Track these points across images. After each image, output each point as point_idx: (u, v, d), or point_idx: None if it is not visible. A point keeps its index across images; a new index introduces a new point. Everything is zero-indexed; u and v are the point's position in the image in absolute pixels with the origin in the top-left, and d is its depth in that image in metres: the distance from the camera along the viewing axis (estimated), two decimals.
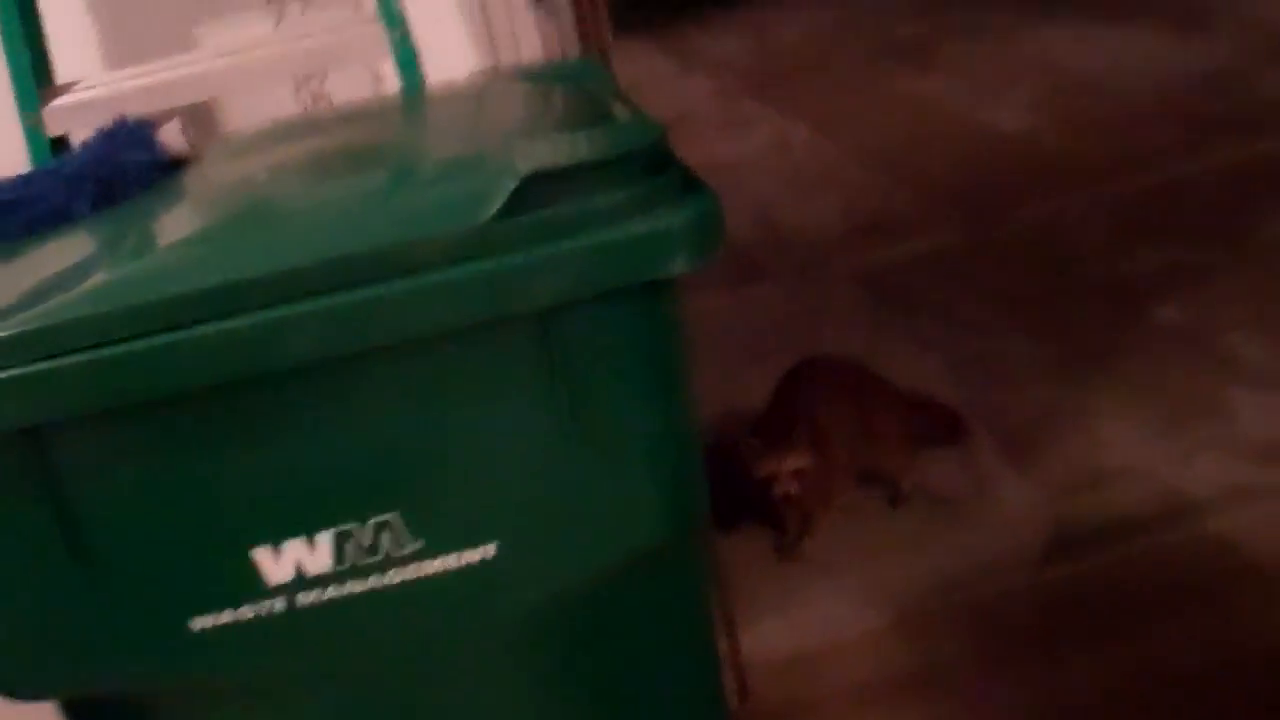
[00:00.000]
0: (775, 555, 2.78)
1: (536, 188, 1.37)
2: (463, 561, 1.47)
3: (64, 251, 1.49)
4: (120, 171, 1.62)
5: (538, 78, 1.86)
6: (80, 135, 1.80)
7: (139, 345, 1.33)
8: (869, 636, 2.51)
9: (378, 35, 1.96)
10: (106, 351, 1.33)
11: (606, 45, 2.11)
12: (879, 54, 6.53)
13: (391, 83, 2.10)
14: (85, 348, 1.33)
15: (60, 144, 1.97)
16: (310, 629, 1.46)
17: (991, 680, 2.35)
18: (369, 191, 1.47)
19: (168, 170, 1.68)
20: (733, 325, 3.81)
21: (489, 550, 1.47)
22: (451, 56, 2.17)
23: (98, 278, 1.37)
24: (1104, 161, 4.58)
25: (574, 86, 1.72)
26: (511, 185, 1.37)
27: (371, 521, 1.45)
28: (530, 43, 2.21)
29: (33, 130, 1.93)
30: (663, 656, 1.61)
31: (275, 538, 1.43)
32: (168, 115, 1.76)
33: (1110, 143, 4.75)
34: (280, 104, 2.04)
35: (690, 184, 1.44)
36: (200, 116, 1.94)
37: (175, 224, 1.49)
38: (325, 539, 1.44)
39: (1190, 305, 3.47)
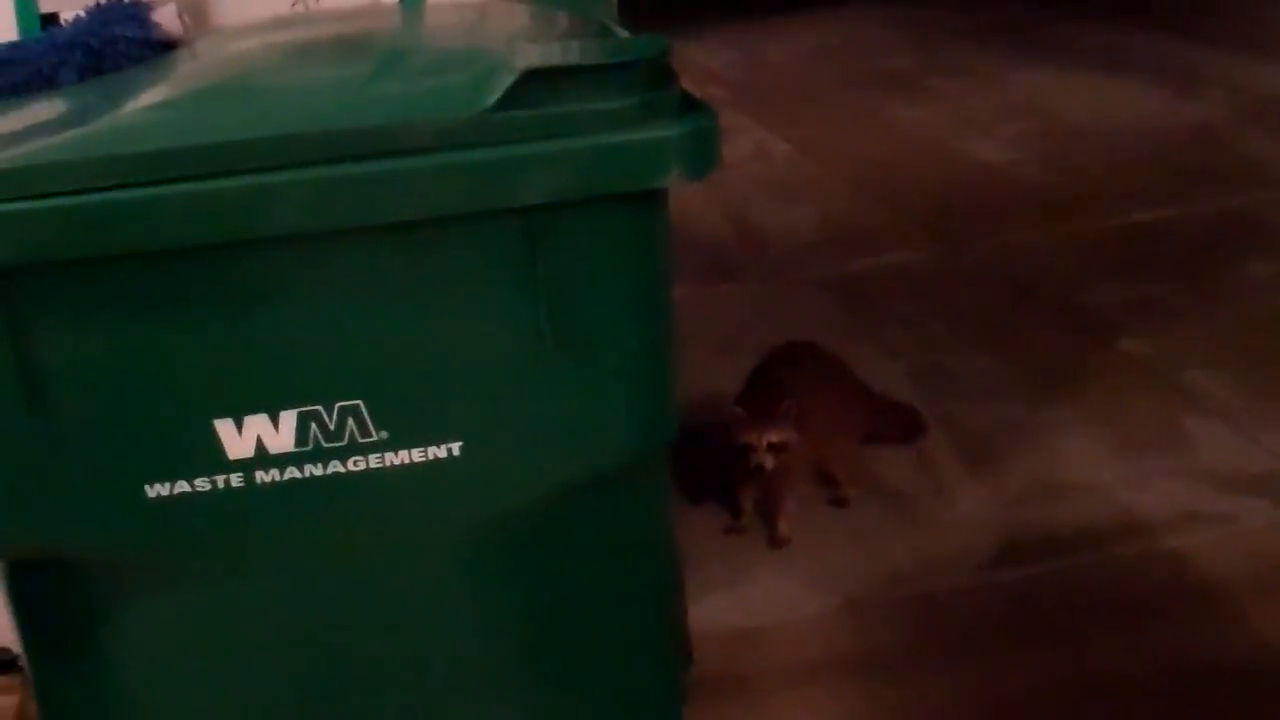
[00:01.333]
0: (726, 533, 2.77)
1: (536, 85, 1.37)
2: (426, 456, 1.46)
3: (47, 108, 1.47)
4: (110, 43, 1.61)
5: (541, 3, 1.86)
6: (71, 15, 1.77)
7: (116, 196, 1.31)
8: (815, 619, 2.50)
9: None
10: (81, 199, 1.31)
11: None
12: (866, 82, 6.59)
13: None
14: (60, 193, 1.31)
15: (50, 21, 1.93)
16: (266, 508, 1.44)
17: (931, 672, 2.34)
18: (365, 74, 1.45)
19: (159, 49, 1.67)
20: (703, 319, 3.81)
21: (454, 448, 1.46)
22: None
23: (79, 128, 1.35)
24: (1081, 200, 4.62)
25: (578, 10, 1.72)
26: (510, 78, 1.36)
27: (337, 406, 1.43)
28: None
29: (23, 2, 1.90)
30: (619, 583, 1.60)
31: (238, 411, 1.42)
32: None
33: (1090, 184, 4.79)
34: (274, 5, 2.02)
35: (689, 101, 1.44)
36: (195, 8, 1.92)
37: (163, 90, 1.48)
38: (289, 418, 1.42)
39: (1155, 340, 3.50)
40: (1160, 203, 4.48)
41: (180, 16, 1.70)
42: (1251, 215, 4.29)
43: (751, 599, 2.58)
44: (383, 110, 1.36)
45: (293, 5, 1.96)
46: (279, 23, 1.79)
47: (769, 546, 2.74)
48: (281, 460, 1.43)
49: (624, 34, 1.54)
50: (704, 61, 7.14)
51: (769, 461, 2.65)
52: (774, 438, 2.65)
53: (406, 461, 1.45)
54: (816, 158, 5.32)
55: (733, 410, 2.69)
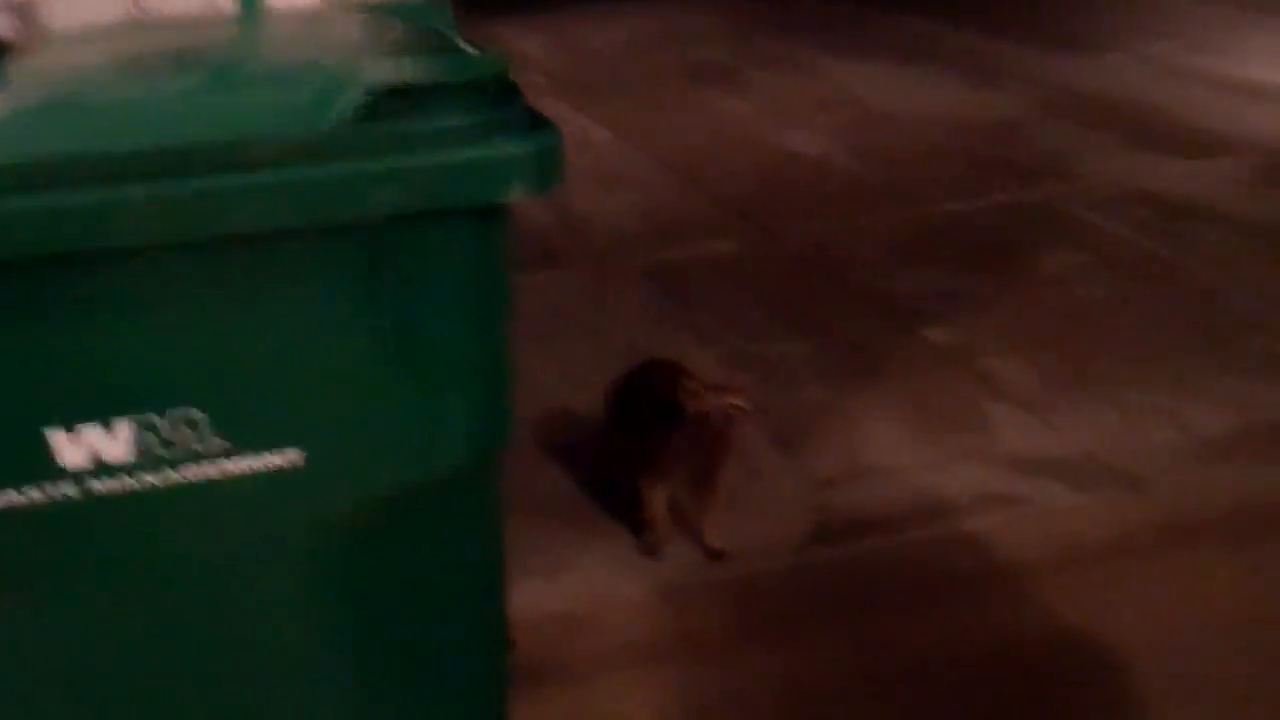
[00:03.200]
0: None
1: (382, 102, 1.40)
2: (266, 465, 1.48)
3: None
4: None
5: (379, 10, 1.88)
6: None
7: None
8: (634, 603, 2.58)
9: None
10: None
11: None
12: (683, 72, 6.70)
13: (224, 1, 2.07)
14: None
15: None
16: (101, 519, 1.44)
17: (746, 654, 2.44)
18: (209, 86, 1.46)
19: None
20: (523, 306, 3.85)
21: (294, 456, 1.48)
22: None
23: None
24: (891, 190, 4.80)
25: (417, 21, 1.75)
26: (358, 95, 1.39)
27: (174, 414, 1.44)
28: None
29: None
30: (450, 586, 1.64)
31: (71, 419, 1.41)
32: None
33: (897, 174, 4.97)
34: (103, 9, 1.99)
35: (533, 119, 1.49)
36: (25, 13, 1.89)
37: (3, 101, 1.46)
38: (124, 427, 1.43)
39: (956, 327, 3.67)
40: (965, 194, 4.68)
41: (13, 22, 1.68)
42: (1050, 207, 4.51)
43: (571, 584, 2.65)
44: (228, 124, 1.38)
45: (129, 9, 1.94)
46: (117, 30, 1.78)
47: (706, 558, 2.70)
48: (116, 470, 1.43)
49: (466, 47, 1.58)
50: (522, 47, 7.16)
51: (742, 408, 2.55)
52: (736, 399, 2.57)
53: (245, 470, 1.47)
54: (636, 146, 5.40)
55: (685, 382, 2.57)
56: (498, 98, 1.47)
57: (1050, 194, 4.63)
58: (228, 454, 1.47)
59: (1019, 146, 5.16)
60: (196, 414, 1.45)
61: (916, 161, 5.10)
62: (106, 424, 1.42)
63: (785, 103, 6.01)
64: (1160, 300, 3.77)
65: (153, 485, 1.45)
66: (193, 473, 1.46)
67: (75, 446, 1.42)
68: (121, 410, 1.42)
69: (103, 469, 1.44)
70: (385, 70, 1.42)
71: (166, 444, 1.45)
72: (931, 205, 4.60)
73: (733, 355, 3.56)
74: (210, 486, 1.47)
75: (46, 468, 1.42)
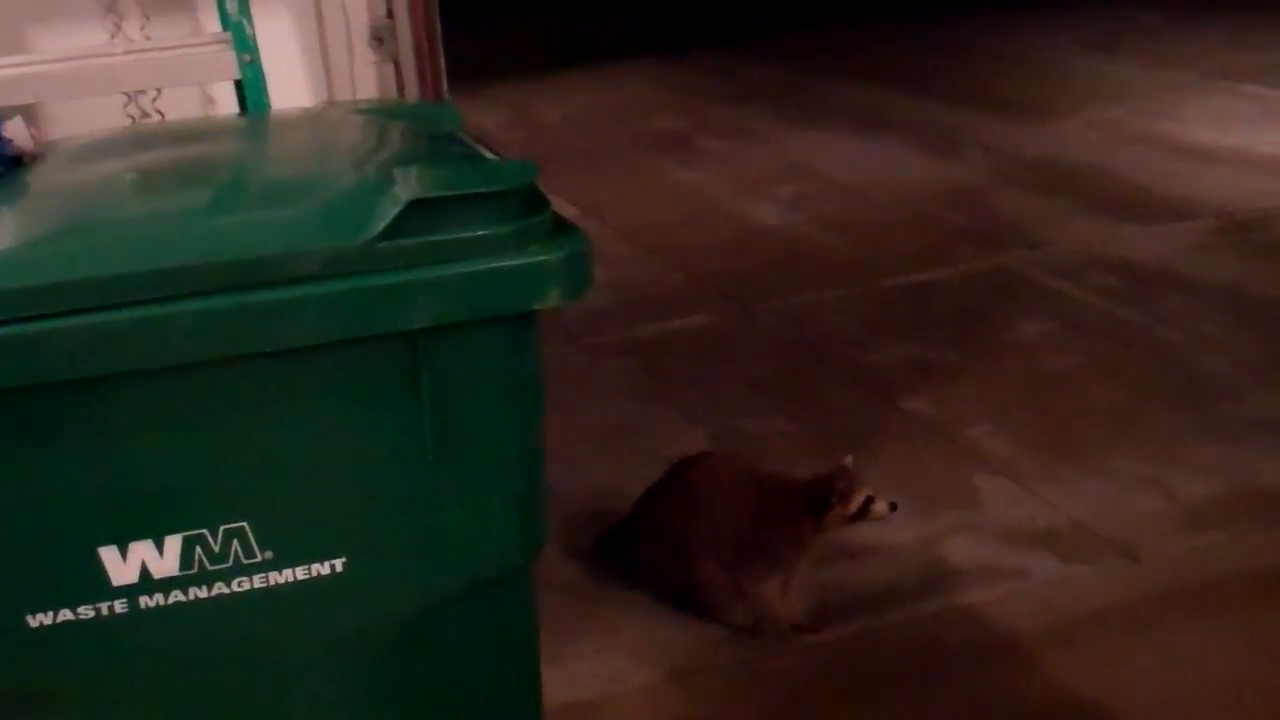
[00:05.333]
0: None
1: (419, 213, 1.42)
2: (310, 573, 1.48)
3: None
4: None
5: (390, 113, 1.91)
6: None
7: None
8: (643, 690, 2.58)
9: (225, 57, 1.97)
10: None
11: (443, 91, 2.16)
12: (642, 144, 6.76)
13: (222, 105, 2.10)
14: None
15: None
16: (150, 632, 1.45)
17: None
18: (251, 201, 1.48)
19: (10, 164, 1.66)
20: None
21: (337, 564, 1.49)
22: (287, 87, 2.19)
23: None
24: (857, 260, 4.85)
25: (433, 125, 1.77)
26: (396, 208, 1.41)
27: (222, 528, 1.45)
28: (366, 82, 2.25)
29: None
30: (492, 683, 1.65)
31: (123, 538, 1.42)
32: (8, 111, 1.72)
33: (863, 244, 5.03)
34: (107, 116, 2.02)
35: (562, 225, 1.51)
36: (34, 119, 1.90)
37: (38, 219, 1.47)
38: (174, 543, 1.44)
39: (935, 398, 3.71)
40: (932, 263, 4.74)
41: (29, 130, 1.69)
42: (1017, 275, 4.58)
43: (578, 672, 2.64)
44: (273, 240, 1.39)
45: (133, 114, 1.96)
46: (125, 138, 1.79)
47: (804, 633, 2.72)
48: (166, 584, 1.44)
49: (488, 154, 1.60)
50: (478, 120, 7.20)
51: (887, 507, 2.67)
52: (884, 501, 2.68)
53: (290, 579, 1.48)
54: (602, 220, 5.44)
55: (842, 475, 2.67)
56: (528, 205, 1.49)
57: (1016, 261, 4.70)
58: (273, 565, 1.48)
59: (981, 214, 5.24)
60: (243, 526, 1.45)
61: (881, 231, 5.17)
62: (158, 541, 1.42)
63: (745, 173, 6.08)
64: (1133, 367, 3.83)
65: (199, 598, 1.46)
66: (239, 584, 1.47)
67: (127, 564, 1.43)
68: (172, 527, 1.43)
69: (152, 584, 1.44)
70: (419, 182, 1.45)
71: (214, 557, 1.45)
72: (900, 275, 4.66)
73: (720, 433, 3.58)
74: (255, 596, 1.48)
75: (100, 586, 1.42)
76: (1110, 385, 3.73)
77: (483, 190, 1.45)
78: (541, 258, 1.45)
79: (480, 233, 1.43)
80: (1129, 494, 3.14)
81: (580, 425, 3.61)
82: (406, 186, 1.43)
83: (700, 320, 4.43)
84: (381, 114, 1.85)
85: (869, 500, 2.66)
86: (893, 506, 2.67)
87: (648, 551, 2.84)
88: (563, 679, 2.61)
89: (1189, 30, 8.01)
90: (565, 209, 5.14)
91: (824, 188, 5.75)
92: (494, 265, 1.43)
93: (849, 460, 2.71)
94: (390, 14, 2.27)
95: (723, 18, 9.77)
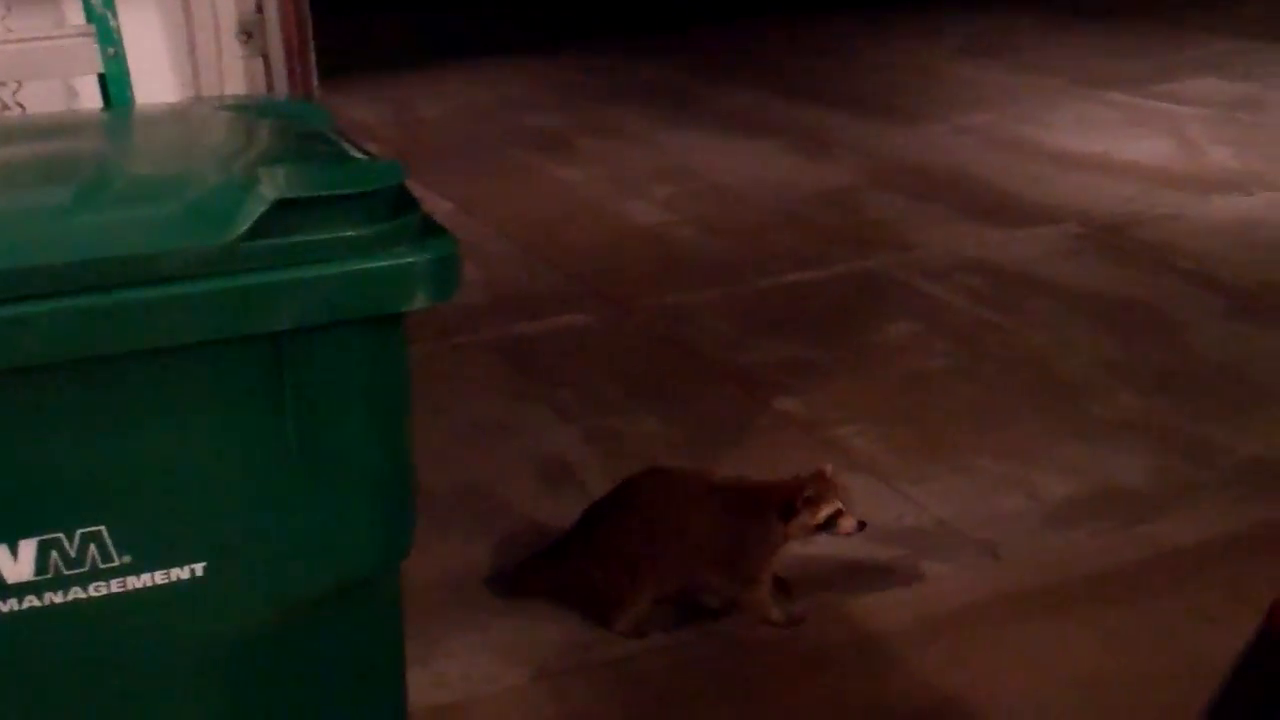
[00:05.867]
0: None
1: (285, 213, 1.40)
2: (170, 578, 1.46)
3: None
4: None
5: (257, 110, 1.88)
6: None
7: None
8: (513, 690, 2.58)
9: (89, 50, 1.93)
10: None
11: (313, 89, 2.14)
12: (521, 141, 6.75)
13: (85, 99, 2.06)
14: None
15: None
16: (5, 639, 1.41)
17: None
18: (113, 199, 1.46)
19: None
20: None
21: (197, 569, 1.47)
22: (153, 82, 2.15)
23: None
24: (732, 260, 4.90)
25: (301, 123, 1.75)
26: (261, 207, 1.39)
27: (79, 532, 1.42)
28: (234, 77, 2.22)
29: None
30: (356, 687, 1.64)
31: None
32: None
33: (738, 244, 5.08)
34: None
35: (430, 226, 1.51)
36: None
37: None
38: (29, 547, 1.41)
39: (806, 398, 3.76)
40: (805, 264, 4.80)
41: None
42: (887, 277, 4.65)
43: (447, 674, 2.63)
44: (132, 239, 1.37)
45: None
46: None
47: (788, 624, 2.75)
48: (20, 590, 1.41)
49: (357, 152, 1.59)
50: (357, 116, 7.14)
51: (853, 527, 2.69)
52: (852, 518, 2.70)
53: (149, 584, 1.46)
54: (479, 217, 5.42)
55: (806, 496, 2.67)
56: (396, 206, 1.48)
57: (886, 264, 4.78)
58: (131, 569, 1.45)
59: (853, 216, 5.32)
60: (100, 530, 1.43)
61: (756, 232, 5.22)
62: (11, 546, 1.39)
63: (622, 172, 6.10)
64: (997, 367, 3.92)
65: (55, 603, 1.43)
66: (96, 589, 1.44)
67: None
68: (27, 531, 1.40)
69: (5, 589, 1.41)
70: (285, 181, 1.43)
71: (71, 562, 1.42)
72: (774, 276, 4.71)
73: (593, 432, 3.59)
74: (113, 601, 1.45)
75: None
76: (976, 386, 3.81)
77: (349, 191, 1.44)
78: (408, 260, 1.44)
79: (346, 233, 1.42)
80: (992, 493, 3.21)
81: (450, 423, 3.60)
82: (272, 186, 1.41)
83: (576, 319, 4.44)
84: (249, 111, 1.83)
85: (837, 514, 2.68)
86: (861, 525, 2.69)
87: (591, 574, 2.76)
88: (431, 681, 2.60)
89: (1060, 37, 8.20)
90: (442, 205, 5.14)
91: (701, 188, 5.79)
92: (360, 267, 1.42)
93: (828, 469, 2.73)
94: (259, 8, 2.24)
95: (604, 16, 9.77)
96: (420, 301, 1.45)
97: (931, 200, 5.44)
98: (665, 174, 6.00)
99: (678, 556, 2.72)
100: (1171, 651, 2.59)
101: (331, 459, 1.48)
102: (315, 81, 2.18)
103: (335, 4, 5.56)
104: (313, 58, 2.14)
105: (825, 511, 2.68)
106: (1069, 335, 4.12)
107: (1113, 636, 2.66)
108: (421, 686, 2.56)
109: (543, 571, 2.83)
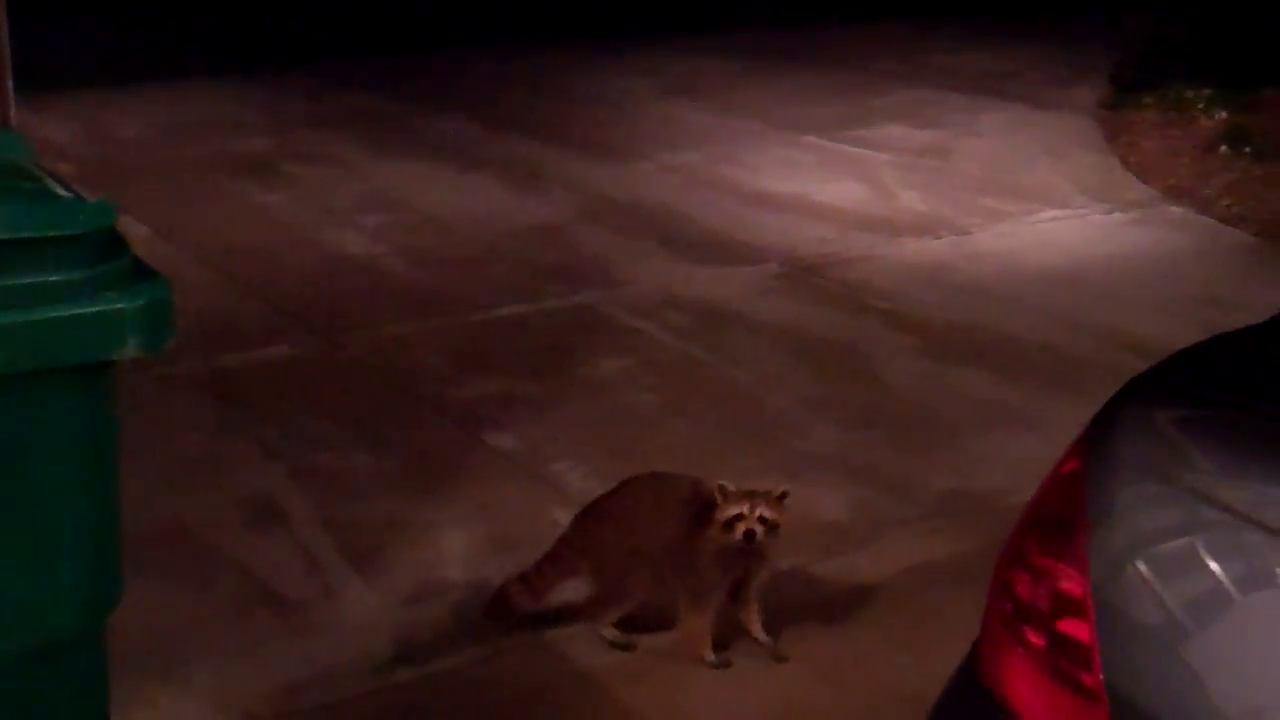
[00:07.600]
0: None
1: None
2: None
3: None
4: None
5: None
6: None
7: None
8: None
9: None
10: None
11: (10, 118, 2.04)
12: (223, 164, 6.56)
13: None
14: None
15: None
16: None
17: None
18: None
19: None
20: None
21: None
22: None
23: None
24: (445, 295, 4.88)
25: None
26: None
27: None
28: None
29: None
30: None
31: None
32: None
33: (449, 276, 5.07)
34: None
35: (142, 270, 1.46)
36: None
37: None
38: None
39: (519, 434, 3.78)
40: (516, 298, 4.82)
41: None
42: (596, 312, 4.72)
43: None
44: None
45: None
46: None
47: (773, 659, 2.76)
48: None
49: (62, 190, 1.52)
50: (46, 134, 6.77)
51: (761, 532, 2.60)
52: (768, 512, 2.62)
53: None
54: (179, 244, 5.24)
55: (722, 485, 2.64)
56: (105, 249, 1.43)
57: (595, 299, 4.84)
58: None
59: (563, 251, 5.37)
60: None
61: (466, 264, 5.22)
62: None
63: (328, 200, 6.00)
64: (704, 403, 4.02)
65: None
66: None
67: None
68: None
69: None
70: None
71: None
72: (485, 310, 4.72)
73: (300, 469, 3.52)
74: None
75: None
76: (684, 421, 3.90)
77: (53, 234, 1.38)
78: (118, 306, 1.39)
79: (51, 278, 1.36)
80: None
81: (154, 463, 3.46)
82: None
83: (283, 351, 4.35)
84: None
85: (736, 518, 2.64)
86: (749, 536, 2.62)
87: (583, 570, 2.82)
88: None
89: (758, 81, 8.48)
90: (137, 230, 4.92)
91: (412, 219, 5.75)
92: (65, 313, 1.36)
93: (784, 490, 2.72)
94: None
95: (316, 39, 9.58)
96: (132, 349, 1.40)
97: (640, 237, 5.54)
98: (376, 203, 5.93)
99: (658, 563, 2.77)
100: (870, 681, 2.71)
101: (33, 513, 1.41)
102: (12, 110, 2.07)
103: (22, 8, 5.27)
104: (10, 85, 2.03)
105: (727, 513, 2.65)
106: (772, 371, 4.26)
107: (815, 667, 2.76)
108: None
109: (529, 583, 2.82)
